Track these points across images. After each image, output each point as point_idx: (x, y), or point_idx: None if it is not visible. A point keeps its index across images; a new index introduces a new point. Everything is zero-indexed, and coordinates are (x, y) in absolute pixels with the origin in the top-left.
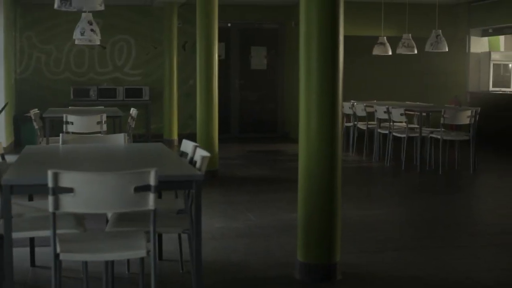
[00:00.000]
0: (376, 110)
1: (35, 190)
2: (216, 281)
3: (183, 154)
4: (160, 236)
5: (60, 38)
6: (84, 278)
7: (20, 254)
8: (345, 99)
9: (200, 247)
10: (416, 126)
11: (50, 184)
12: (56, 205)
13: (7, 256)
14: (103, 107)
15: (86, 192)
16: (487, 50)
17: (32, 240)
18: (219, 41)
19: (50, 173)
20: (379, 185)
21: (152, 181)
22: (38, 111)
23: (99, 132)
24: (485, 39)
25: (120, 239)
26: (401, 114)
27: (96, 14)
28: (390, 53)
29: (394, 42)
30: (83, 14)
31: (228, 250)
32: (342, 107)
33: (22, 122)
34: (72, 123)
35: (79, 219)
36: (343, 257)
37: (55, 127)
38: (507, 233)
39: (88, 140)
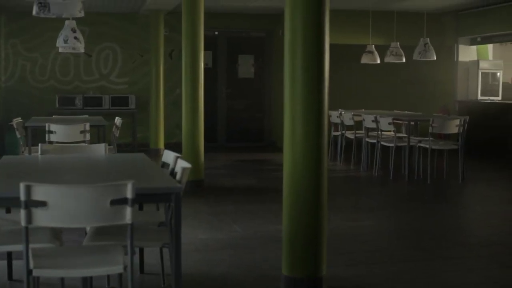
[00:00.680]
0: (364, 119)
1: (8, 203)
2: None
3: (165, 165)
4: (141, 249)
5: (46, 46)
6: None
7: None
8: (333, 108)
9: (179, 263)
10: (404, 135)
11: (22, 197)
12: (29, 219)
13: None
14: (87, 116)
15: (60, 205)
16: (476, 58)
17: (9, 253)
18: (206, 49)
19: (22, 186)
20: (367, 195)
21: (129, 194)
22: (21, 120)
23: (83, 142)
24: (474, 47)
25: (97, 253)
26: (389, 123)
27: (82, 22)
28: (378, 61)
29: (382, 50)
30: (67, 22)
31: (211, 263)
32: (330, 116)
33: (6, 131)
34: (54, 132)
35: (56, 233)
36: (329, 270)
37: (39, 136)
38: (497, 243)
39: (68, 150)
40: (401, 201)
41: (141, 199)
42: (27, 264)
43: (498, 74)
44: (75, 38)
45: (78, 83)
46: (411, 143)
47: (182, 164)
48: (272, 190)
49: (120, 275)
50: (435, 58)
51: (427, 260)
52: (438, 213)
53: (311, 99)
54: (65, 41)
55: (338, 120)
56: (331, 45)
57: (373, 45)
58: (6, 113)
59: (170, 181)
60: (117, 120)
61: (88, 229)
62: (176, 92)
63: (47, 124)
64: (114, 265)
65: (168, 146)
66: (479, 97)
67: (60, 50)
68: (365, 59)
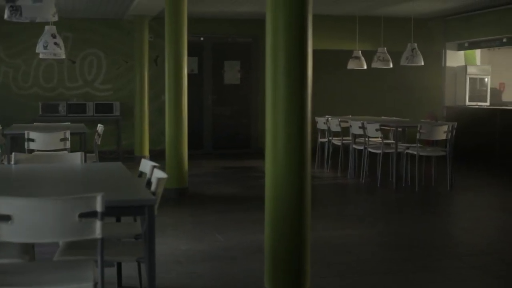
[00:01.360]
0: (351, 126)
1: None
2: None
3: (143, 174)
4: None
5: (28, 52)
6: None
7: None
8: (320, 114)
9: (153, 279)
10: (392, 141)
11: None
12: None
13: None
14: (69, 123)
15: (25, 219)
16: (463, 64)
17: None
18: (192, 55)
19: None
20: (354, 203)
21: (98, 207)
22: (1, 128)
23: (64, 150)
24: (461, 53)
25: (67, 269)
26: (377, 130)
27: (65, 27)
28: (365, 67)
29: (369, 56)
30: (47, 27)
31: (192, 275)
32: (316, 122)
33: None
34: (33, 140)
35: (26, 247)
36: (314, 282)
37: (20, 144)
38: (487, 253)
39: (43, 159)
40: (389, 209)
41: (112, 212)
42: None
43: (486, 79)
44: (55, 43)
45: (62, 90)
46: (398, 150)
47: (157, 174)
48: (257, 198)
49: None
50: (422, 64)
51: (416, 271)
52: (427, 221)
53: (293, 105)
54: (45, 47)
55: (324, 127)
56: (317, 51)
57: (360, 51)
58: None
59: (143, 192)
60: (99, 128)
61: (60, 242)
62: (161, 99)
63: (26, 132)
64: (84, 281)
65: (153, 153)
66: (467, 102)
67: (41, 56)
68: (351, 65)
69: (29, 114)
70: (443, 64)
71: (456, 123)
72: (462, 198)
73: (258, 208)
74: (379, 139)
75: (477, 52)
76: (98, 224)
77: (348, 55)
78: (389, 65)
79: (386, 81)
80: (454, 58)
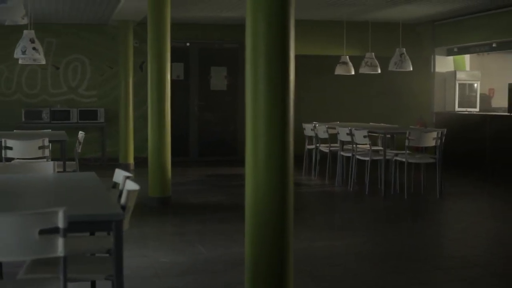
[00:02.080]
0: (338, 132)
1: None
2: None
3: (116, 185)
4: None
5: (11, 58)
6: None
7: None
8: (307, 120)
9: None
10: (380, 148)
11: None
12: None
13: None
14: (50, 130)
15: None
16: (453, 69)
17: None
18: (178, 61)
19: None
20: (341, 212)
21: (60, 223)
22: None
23: (43, 158)
24: (450, 58)
25: None
26: (365, 136)
27: (49, 33)
28: (353, 72)
29: (357, 61)
30: (25, 32)
31: None
32: (304, 129)
33: None
34: (11, 148)
35: None
36: None
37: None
38: (478, 265)
39: (14, 169)
40: (377, 218)
41: (75, 228)
42: None
43: (476, 85)
44: (34, 48)
45: (45, 96)
46: (387, 157)
47: (129, 186)
48: (242, 207)
49: None
50: (411, 69)
51: (404, 285)
52: (416, 232)
53: (275, 112)
54: (23, 52)
55: (312, 133)
56: (304, 56)
57: (348, 56)
58: None
59: (111, 206)
60: (80, 135)
61: None
62: (146, 105)
63: (3, 140)
64: None
65: (138, 161)
66: (457, 108)
67: (20, 61)
68: (339, 70)
69: (12, 120)
70: (432, 70)
71: (445, 130)
72: (452, 205)
73: (243, 218)
74: (367, 145)
75: (467, 57)
76: (60, 241)
77: (335, 60)
78: (377, 70)
79: (374, 87)
80: (443, 64)
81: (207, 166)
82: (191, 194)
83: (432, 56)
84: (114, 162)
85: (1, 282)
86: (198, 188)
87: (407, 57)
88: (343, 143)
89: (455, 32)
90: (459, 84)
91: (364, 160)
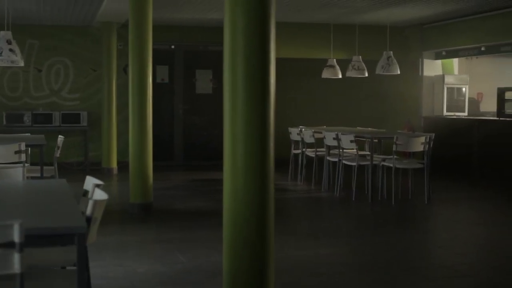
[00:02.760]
0: (325, 137)
1: None
2: None
3: (87, 193)
4: None
5: None
6: None
7: None
8: (293, 124)
9: None
10: (367, 153)
11: None
12: None
13: None
14: (29, 134)
15: None
16: (441, 73)
17: None
18: (163, 63)
19: None
20: (327, 219)
21: (16, 237)
22: None
23: (20, 163)
24: (438, 62)
25: None
26: (351, 141)
27: (32, 34)
28: (340, 76)
29: (344, 64)
30: (2, 33)
31: None
32: (290, 133)
33: None
34: None
35: None
36: None
37: None
38: (467, 275)
39: None
40: (364, 225)
41: (34, 243)
42: None
43: (464, 89)
44: (11, 50)
45: (27, 99)
46: (374, 162)
47: (96, 195)
48: None
49: None
50: (399, 72)
51: None
52: (404, 239)
53: (254, 116)
54: (0, 54)
55: (298, 138)
56: (291, 59)
57: (335, 59)
58: None
59: (75, 218)
60: (59, 139)
61: None
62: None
63: None
64: None
65: (121, 165)
66: (445, 113)
67: None
68: (326, 74)
69: None
70: (420, 73)
71: (433, 134)
72: (440, 211)
73: None
74: (354, 150)
75: (455, 61)
76: (16, 257)
77: (322, 63)
78: (364, 74)
79: (361, 90)
80: (431, 67)
81: (192, 170)
82: (173, 199)
83: (420, 60)
84: (97, 167)
85: None
86: (181, 194)
87: (395, 61)
88: (329, 147)
89: (443, 35)
90: (448, 88)
91: (351, 165)
